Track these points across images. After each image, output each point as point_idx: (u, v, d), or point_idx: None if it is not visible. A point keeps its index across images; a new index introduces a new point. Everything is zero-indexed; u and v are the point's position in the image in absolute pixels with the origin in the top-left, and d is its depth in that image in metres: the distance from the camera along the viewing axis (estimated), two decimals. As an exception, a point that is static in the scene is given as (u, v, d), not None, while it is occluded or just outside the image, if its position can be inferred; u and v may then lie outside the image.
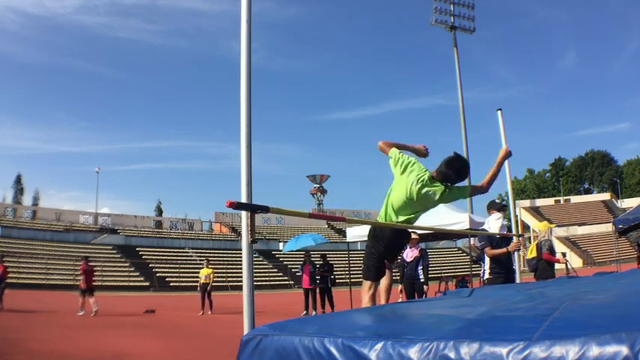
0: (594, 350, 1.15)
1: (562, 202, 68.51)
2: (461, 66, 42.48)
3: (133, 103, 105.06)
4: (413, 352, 1.39)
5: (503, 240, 5.91)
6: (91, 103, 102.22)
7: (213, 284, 15.09)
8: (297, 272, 16.98)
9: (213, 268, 15.63)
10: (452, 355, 1.32)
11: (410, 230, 9.61)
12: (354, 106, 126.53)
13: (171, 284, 35.90)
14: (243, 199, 2.62)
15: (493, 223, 5.99)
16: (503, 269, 5.81)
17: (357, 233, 13.00)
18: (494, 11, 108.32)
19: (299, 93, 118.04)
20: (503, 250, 5.73)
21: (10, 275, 15.40)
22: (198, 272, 16.73)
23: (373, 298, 4.04)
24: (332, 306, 13.35)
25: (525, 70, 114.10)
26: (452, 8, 43.78)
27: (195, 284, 35.49)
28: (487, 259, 5.89)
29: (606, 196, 68.87)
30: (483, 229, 6.22)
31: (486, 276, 5.87)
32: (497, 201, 6.42)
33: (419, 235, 10.43)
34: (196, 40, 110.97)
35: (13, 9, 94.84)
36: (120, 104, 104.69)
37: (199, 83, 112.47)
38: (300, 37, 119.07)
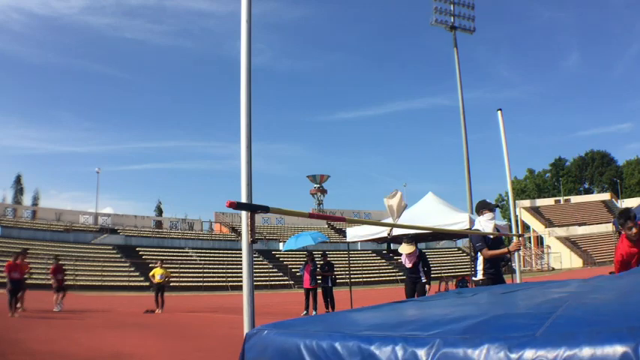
0: (597, 348, 1.15)
1: (562, 202, 68.49)
2: (464, 67, 42.64)
3: (135, 103, 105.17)
4: (413, 351, 1.38)
5: (494, 241, 5.75)
6: (95, 103, 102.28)
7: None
8: (298, 272, 17.00)
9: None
10: (453, 353, 1.32)
11: (405, 240, 9.53)
12: (355, 107, 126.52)
13: (171, 284, 35.86)
14: (243, 199, 2.62)
15: (486, 224, 5.80)
16: (496, 270, 5.71)
17: (357, 233, 12.95)
18: (498, 12, 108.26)
19: (300, 93, 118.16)
20: (504, 250, 5.62)
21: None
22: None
23: None
24: (333, 306, 13.33)
25: (528, 70, 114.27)
26: (452, 8, 43.72)
27: (197, 284, 36.01)
28: (481, 260, 5.70)
29: (606, 196, 68.84)
30: (476, 229, 6.03)
31: (479, 276, 5.70)
32: (487, 201, 6.10)
33: (416, 234, 10.43)
34: (202, 41, 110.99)
35: (19, 9, 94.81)
36: (123, 104, 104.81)
37: (203, 83, 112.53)
38: (304, 37, 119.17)
